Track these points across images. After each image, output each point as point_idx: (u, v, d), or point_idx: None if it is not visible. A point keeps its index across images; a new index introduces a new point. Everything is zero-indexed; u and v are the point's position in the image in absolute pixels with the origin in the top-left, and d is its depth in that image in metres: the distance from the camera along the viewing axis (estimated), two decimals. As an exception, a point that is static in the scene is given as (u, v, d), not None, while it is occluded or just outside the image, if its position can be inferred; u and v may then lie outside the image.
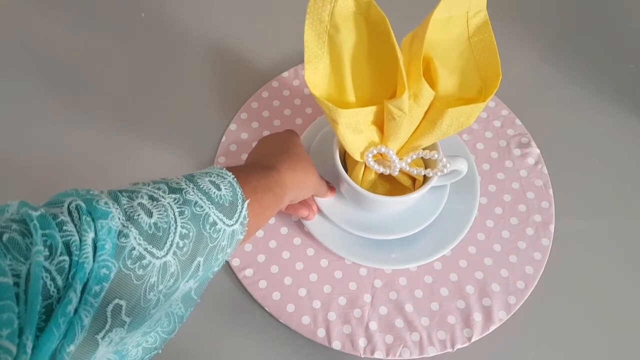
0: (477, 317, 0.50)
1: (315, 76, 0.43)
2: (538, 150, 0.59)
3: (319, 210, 0.52)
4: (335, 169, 0.48)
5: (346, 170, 0.49)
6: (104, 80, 0.66)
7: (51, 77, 0.66)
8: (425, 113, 0.44)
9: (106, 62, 0.67)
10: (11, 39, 0.69)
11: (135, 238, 0.28)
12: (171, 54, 0.68)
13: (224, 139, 0.60)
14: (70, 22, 0.70)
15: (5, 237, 0.25)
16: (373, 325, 0.50)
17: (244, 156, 0.59)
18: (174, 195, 0.31)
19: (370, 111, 0.43)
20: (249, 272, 0.52)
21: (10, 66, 0.67)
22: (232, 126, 0.61)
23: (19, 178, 0.59)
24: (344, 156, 0.51)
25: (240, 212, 0.34)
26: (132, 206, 0.29)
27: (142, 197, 0.30)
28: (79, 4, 0.72)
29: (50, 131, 0.62)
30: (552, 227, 0.55)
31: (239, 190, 0.35)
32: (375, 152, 0.45)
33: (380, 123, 0.45)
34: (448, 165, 0.45)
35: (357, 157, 0.46)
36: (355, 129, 0.44)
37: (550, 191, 0.57)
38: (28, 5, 0.72)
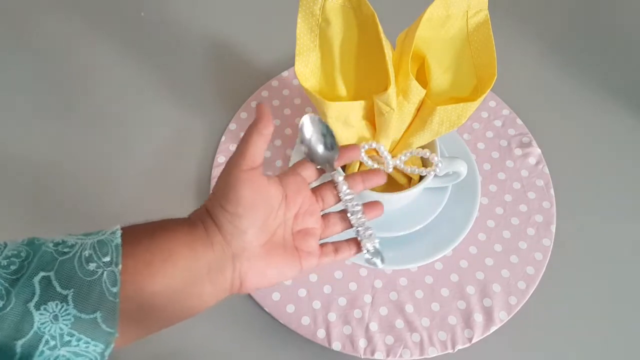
0: (478, 317, 0.50)
1: (306, 69, 0.43)
2: (539, 150, 0.59)
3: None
4: None
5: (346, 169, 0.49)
6: (103, 79, 0.66)
7: (50, 76, 0.66)
8: (418, 111, 0.44)
9: (106, 61, 0.67)
10: (11, 38, 0.69)
11: None
12: (171, 53, 0.68)
13: (223, 138, 0.60)
14: (70, 22, 0.70)
15: None
16: (373, 326, 0.50)
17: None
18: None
19: (359, 105, 0.44)
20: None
21: (10, 66, 0.67)
22: (232, 125, 0.61)
23: (19, 177, 0.59)
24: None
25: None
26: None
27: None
28: (79, 4, 0.72)
29: (48, 131, 0.62)
30: (553, 228, 0.55)
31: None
32: (367, 147, 0.45)
33: (371, 118, 0.45)
34: (440, 164, 0.45)
35: None
36: (345, 123, 0.44)
37: (552, 191, 0.57)
38: (27, 5, 0.72)
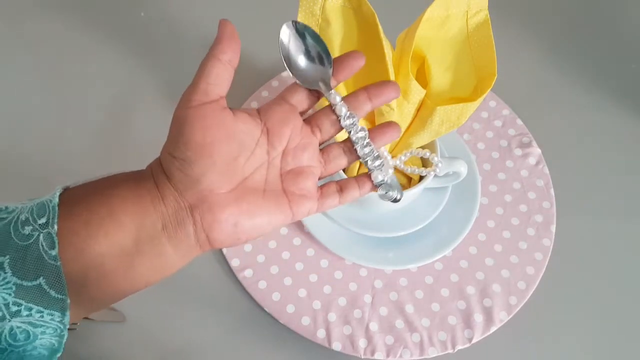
0: (478, 317, 0.50)
1: None
2: (539, 150, 0.59)
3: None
4: None
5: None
6: (102, 79, 0.66)
7: (49, 76, 0.66)
8: (418, 111, 0.44)
9: (105, 61, 0.67)
10: (11, 37, 0.69)
11: None
12: (171, 53, 0.68)
13: (223, 138, 0.60)
14: (69, 21, 0.70)
15: None
16: (373, 326, 0.49)
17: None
18: None
19: None
20: (248, 272, 0.52)
21: (9, 65, 0.67)
22: (232, 126, 0.61)
23: (18, 178, 0.59)
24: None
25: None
26: None
27: None
28: (79, 3, 0.72)
29: (48, 131, 0.62)
30: (553, 228, 0.55)
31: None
32: None
33: (371, 118, 0.45)
34: (440, 164, 0.45)
35: None
36: None
37: (552, 191, 0.57)
38: (26, 4, 0.71)
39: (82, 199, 0.29)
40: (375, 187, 0.33)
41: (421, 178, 0.49)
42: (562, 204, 0.56)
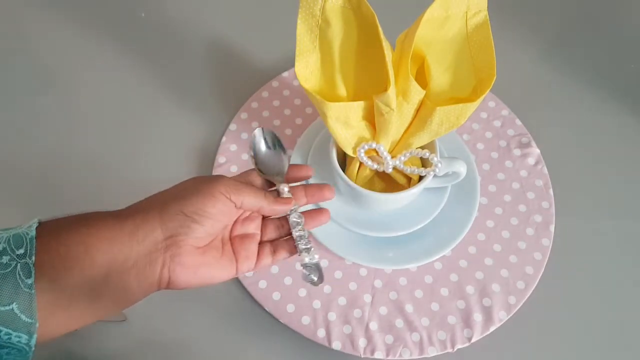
0: (478, 317, 0.50)
1: (306, 70, 0.44)
2: (538, 150, 0.59)
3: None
4: (331, 164, 0.48)
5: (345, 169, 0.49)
6: (103, 80, 0.66)
7: (49, 76, 0.66)
8: (417, 111, 0.44)
9: (105, 62, 0.67)
10: (10, 38, 0.69)
11: None
12: (171, 54, 0.68)
13: (224, 139, 0.60)
14: (69, 22, 0.70)
15: None
16: (373, 326, 0.50)
17: (244, 156, 0.59)
18: None
19: (359, 106, 0.44)
20: (249, 272, 0.52)
21: (9, 65, 0.67)
22: (232, 126, 0.61)
23: (20, 180, 0.59)
24: (344, 154, 0.51)
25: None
26: None
27: None
28: (79, 4, 0.72)
29: (50, 133, 0.62)
30: (552, 228, 0.55)
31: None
32: (366, 147, 0.45)
33: (371, 119, 0.45)
34: (440, 165, 0.45)
35: (349, 151, 0.47)
36: (345, 123, 0.44)
37: (551, 191, 0.57)
38: (27, 5, 0.72)
39: (59, 234, 0.32)
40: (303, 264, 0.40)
41: (421, 178, 0.49)
42: (561, 204, 0.56)
